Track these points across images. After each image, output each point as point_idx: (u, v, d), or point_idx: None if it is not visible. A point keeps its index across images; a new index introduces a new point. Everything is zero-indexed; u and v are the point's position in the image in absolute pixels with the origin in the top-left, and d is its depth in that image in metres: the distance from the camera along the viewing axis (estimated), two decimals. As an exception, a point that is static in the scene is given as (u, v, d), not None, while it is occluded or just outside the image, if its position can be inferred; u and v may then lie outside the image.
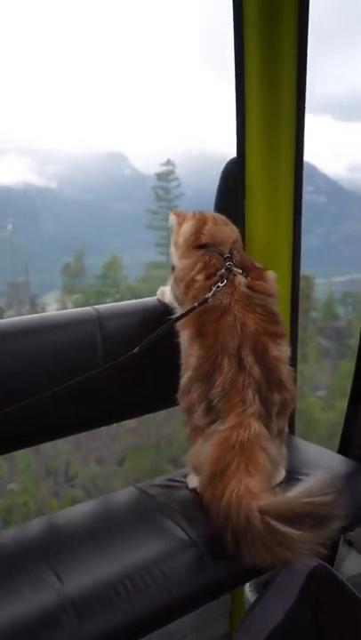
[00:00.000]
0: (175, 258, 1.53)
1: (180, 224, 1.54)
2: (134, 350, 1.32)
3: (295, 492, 1.11)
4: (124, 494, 1.46)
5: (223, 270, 1.36)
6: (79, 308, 1.57)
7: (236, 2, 1.55)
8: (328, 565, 1.24)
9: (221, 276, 1.35)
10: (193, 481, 1.43)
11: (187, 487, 1.44)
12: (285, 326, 1.65)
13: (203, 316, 1.31)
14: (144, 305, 1.62)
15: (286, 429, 1.38)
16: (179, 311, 1.46)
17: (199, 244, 1.46)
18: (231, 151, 1.76)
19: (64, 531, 1.29)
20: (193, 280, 1.40)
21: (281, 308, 1.43)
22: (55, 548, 1.22)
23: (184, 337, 1.38)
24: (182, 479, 1.48)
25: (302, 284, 1.88)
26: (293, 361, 1.70)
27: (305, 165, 1.71)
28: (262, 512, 1.08)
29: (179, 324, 1.39)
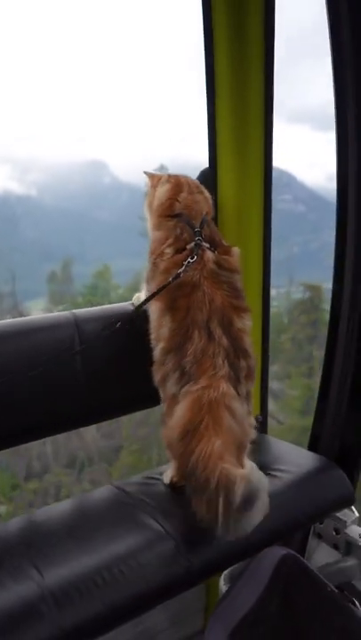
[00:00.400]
0: (149, 224, 1.59)
1: (154, 186, 1.60)
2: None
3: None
4: (101, 492, 1.51)
5: (192, 244, 1.44)
6: (57, 312, 1.62)
7: (205, 17, 1.63)
8: (296, 554, 1.31)
9: (191, 251, 1.43)
10: (168, 476, 1.49)
11: (163, 483, 1.50)
12: (256, 337, 1.75)
13: (174, 290, 1.39)
14: (120, 309, 1.67)
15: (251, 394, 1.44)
16: (147, 285, 1.52)
17: (172, 214, 1.51)
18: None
19: (44, 528, 1.33)
20: (162, 253, 1.48)
21: (253, 322, 1.49)
22: (35, 543, 1.26)
23: (154, 309, 1.45)
24: (158, 476, 1.53)
25: (312, 294, 1.98)
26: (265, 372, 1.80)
27: (283, 175, 1.80)
28: (223, 477, 1.12)
29: (148, 296, 1.48)
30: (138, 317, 1.57)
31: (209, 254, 1.45)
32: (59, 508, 1.44)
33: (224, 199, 1.79)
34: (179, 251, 1.46)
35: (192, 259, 1.41)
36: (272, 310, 1.95)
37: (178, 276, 1.39)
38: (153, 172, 1.65)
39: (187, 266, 1.39)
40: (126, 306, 1.68)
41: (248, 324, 1.42)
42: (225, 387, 1.29)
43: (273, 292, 1.96)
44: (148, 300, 1.46)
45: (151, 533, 1.30)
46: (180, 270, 1.39)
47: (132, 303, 1.67)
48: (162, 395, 1.42)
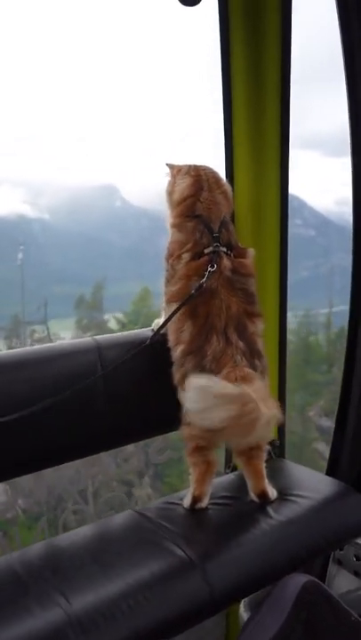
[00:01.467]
0: (168, 220, 1.62)
1: (174, 175, 1.64)
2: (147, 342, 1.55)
3: None
4: (122, 517, 1.52)
5: (211, 250, 1.50)
6: (79, 339, 1.66)
7: (223, 42, 1.70)
8: (319, 581, 1.32)
9: (210, 259, 1.49)
10: (189, 500, 1.51)
11: (183, 507, 1.52)
12: (273, 357, 1.80)
13: (195, 297, 1.46)
14: (142, 335, 1.70)
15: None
16: (167, 288, 1.57)
17: (193, 214, 1.55)
18: None
19: (68, 553, 1.34)
20: (180, 257, 1.53)
21: (268, 342, 1.58)
22: (61, 569, 1.27)
23: (172, 311, 1.50)
24: (178, 501, 1.55)
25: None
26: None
27: (294, 199, 1.84)
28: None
29: (167, 299, 1.55)
30: (158, 342, 1.61)
31: (226, 262, 1.51)
32: (81, 534, 1.45)
33: (241, 227, 1.83)
34: (196, 255, 1.52)
35: (212, 268, 1.48)
36: (310, 339, 1.99)
37: (201, 286, 1.45)
38: (172, 163, 1.69)
39: (208, 277, 1.46)
40: (147, 332, 1.72)
41: (260, 328, 1.51)
42: (247, 370, 1.39)
43: (291, 316, 1.99)
44: (168, 319, 1.50)
45: (174, 560, 1.31)
46: (203, 281, 1.46)
47: (152, 329, 1.71)
48: (182, 394, 1.45)
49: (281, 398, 1.88)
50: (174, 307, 1.50)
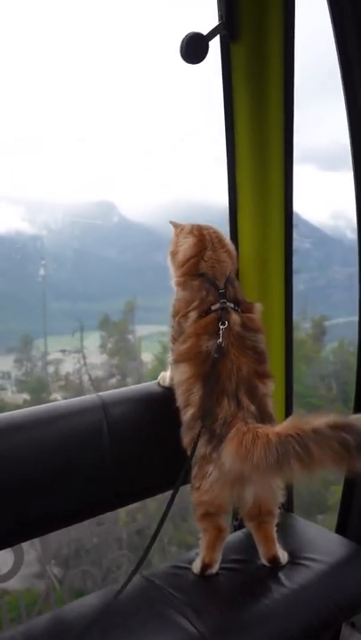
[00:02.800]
0: (173, 279, 1.62)
1: (177, 235, 1.64)
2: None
3: None
4: (130, 584, 1.48)
5: (218, 306, 1.47)
6: (84, 397, 1.63)
7: (224, 59, 1.68)
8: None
9: (218, 316, 1.46)
10: (198, 566, 1.47)
11: (192, 573, 1.48)
12: (280, 371, 1.81)
13: (205, 358, 1.43)
14: (147, 390, 1.68)
15: None
16: (174, 345, 1.54)
17: (197, 273, 1.54)
18: (216, 199, 1.88)
19: (75, 629, 1.30)
20: (186, 316, 1.51)
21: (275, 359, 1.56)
22: None
23: (181, 371, 1.48)
24: (187, 565, 1.51)
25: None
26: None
27: None
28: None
29: (175, 358, 1.51)
30: (166, 400, 1.58)
31: (235, 317, 1.48)
32: (87, 603, 1.41)
33: (244, 246, 1.83)
34: (203, 313, 1.49)
35: (223, 325, 1.45)
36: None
37: (220, 346, 1.42)
38: (175, 221, 1.69)
39: (223, 335, 1.43)
40: (152, 385, 1.69)
41: (271, 388, 1.48)
42: (260, 425, 1.34)
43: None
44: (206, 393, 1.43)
45: (183, 634, 1.28)
46: (221, 341, 1.42)
47: (159, 382, 1.68)
48: (192, 461, 1.42)
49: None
50: (182, 367, 1.48)
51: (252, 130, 1.71)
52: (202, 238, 1.58)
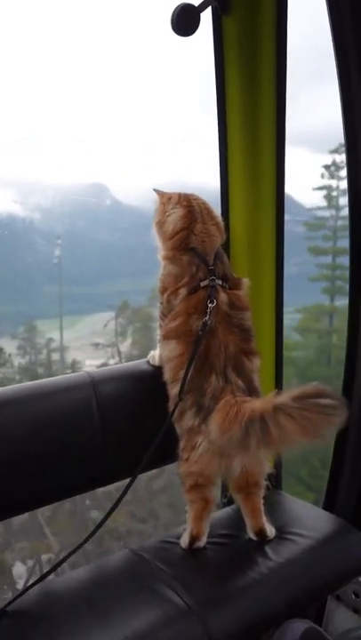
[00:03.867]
0: (161, 252, 1.58)
1: (164, 204, 1.59)
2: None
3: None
4: (118, 558, 1.49)
5: (207, 283, 1.47)
6: (73, 374, 1.63)
7: (215, 32, 1.66)
8: (319, 628, 1.30)
9: (207, 294, 1.46)
10: (186, 540, 1.49)
11: (180, 547, 1.50)
12: (270, 359, 1.83)
13: (193, 335, 1.43)
14: (136, 367, 1.67)
15: None
16: (163, 322, 1.54)
17: (187, 247, 1.52)
18: (209, 181, 1.86)
19: (63, 601, 1.31)
20: (176, 292, 1.50)
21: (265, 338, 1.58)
22: (56, 621, 1.25)
23: (170, 348, 1.48)
24: (175, 540, 1.52)
25: None
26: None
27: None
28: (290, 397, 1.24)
29: (163, 334, 1.51)
30: (154, 376, 1.58)
31: (222, 296, 1.48)
32: (76, 577, 1.43)
33: (236, 225, 1.81)
34: (192, 290, 1.48)
35: (212, 303, 1.44)
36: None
37: (206, 325, 1.42)
38: (160, 190, 1.64)
39: (210, 314, 1.43)
40: (141, 364, 1.69)
41: (256, 365, 1.49)
42: (245, 398, 1.37)
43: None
44: (186, 374, 1.43)
45: (171, 607, 1.29)
46: (207, 319, 1.42)
47: (148, 361, 1.68)
48: (178, 430, 1.46)
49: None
50: (172, 343, 1.48)
51: (244, 104, 1.69)
52: (191, 209, 1.55)
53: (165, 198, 1.60)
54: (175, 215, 1.55)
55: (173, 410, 1.41)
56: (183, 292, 1.49)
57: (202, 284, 1.48)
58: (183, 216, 1.54)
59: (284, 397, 1.24)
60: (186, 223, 1.54)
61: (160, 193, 1.62)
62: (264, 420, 1.23)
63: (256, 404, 1.29)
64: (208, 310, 1.43)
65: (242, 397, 1.36)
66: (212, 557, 1.46)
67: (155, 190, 1.63)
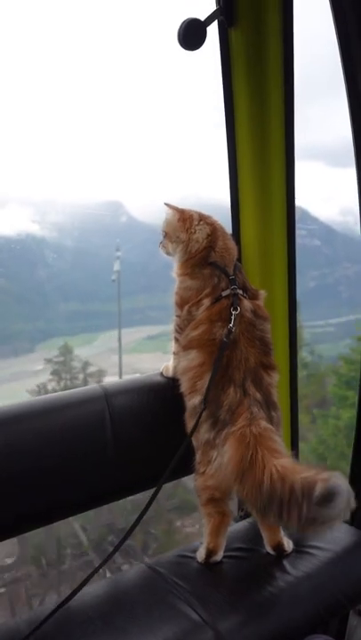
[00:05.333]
0: (179, 269, 1.56)
1: (185, 220, 1.55)
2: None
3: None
4: (133, 573, 1.48)
5: (228, 292, 1.47)
6: (87, 387, 1.63)
7: (223, 56, 1.67)
8: (340, 643, 1.26)
9: (230, 302, 1.46)
10: (202, 554, 1.46)
11: (196, 561, 1.47)
12: (285, 374, 1.82)
13: (212, 347, 1.42)
14: (149, 380, 1.67)
15: None
16: (181, 334, 1.53)
17: (208, 262, 1.52)
18: (223, 197, 1.85)
19: (79, 618, 1.30)
20: (199, 303, 1.50)
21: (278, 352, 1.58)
22: (72, 635, 1.23)
23: (190, 358, 1.47)
24: (191, 554, 1.50)
25: None
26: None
27: (297, 210, 1.80)
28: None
29: (186, 343, 1.50)
30: (168, 388, 1.57)
31: (246, 303, 1.49)
32: (92, 592, 1.41)
33: (247, 239, 1.81)
34: (216, 301, 1.48)
35: (235, 310, 1.45)
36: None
37: (230, 332, 1.42)
38: (174, 205, 1.60)
39: (235, 320, 1.43)
40: (154, 376, 1.68)
41: (275, 380, 1.48)
42: (264, 423, 1.36)
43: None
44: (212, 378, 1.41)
45: (188, 623, 1.26)
46: (232, 326, 1.43)
47: (161, 373, 1.67)
48: (194, 443, 1.44)
49: (294, 440, 1.84)
50: (192, 353, 1.47)
51: (253, 117, 1.70)
52: (215, 228, 1.56)
53: (186, 215, 1.57)
54: (202, 233, 1.55)
55: (198, 419, 1.39)
56: (207, 302, 1.49)
57: (223, 293, 1.48)
58: (209, 234, 1.55)
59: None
60: (210, 241, 1.54)
61: (179, 210, 1.59)
62: (287, 502, 1.19)
63: (274, 464, 1.25)
64: (233, 317, 1.44)
65: (258, 424, 1.34)
66: (229, 572, 1.43)
67: (167, 205, 1.61)
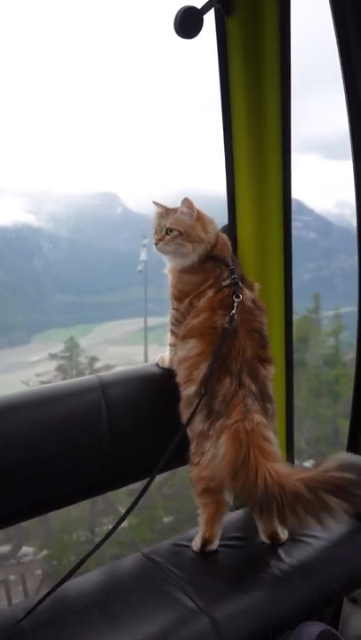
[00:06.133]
0: (182, 266, 1.55)
1: (198, 219, 1.52)
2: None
3: (325, 468, 1.28)
4: (130, 561, 1.49)
5: (229, 281, 1.48)
6: (83, 377, 1.63)
7: (220, 44, 1.66)
8: (334, 630, 1.28)
9: (233, 292, 1.46)
10: (198, 543, 1.47)
11: (192, 550, 1.48)
12: (280, 356, 1.82)
13: (217, 336, 1.43)
14: (145, 370, 1.67)
15: None
16: (178, 326, 1.55)
17: (210, 256, 1.53)
18: (220, 189, 1.85)
19: (74, 605, 1.31)
20: (201, 294, 1.51)
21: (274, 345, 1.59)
22: (67, 624, 1.24)
23: (188, 347, 1.48)
24: (187, 543, 1.51)
25: None
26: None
27: (294, 202, 1.80)
28: (308, 487, 1.25)
29: (185, 333, 1.50)
30: (164, 378, 1.58)
31: (247, 292, 1.50)
32: (89, 580, 1.42)
33: (243, 231, 1.81)
34: (218, 289, 1.50)
35: (238, 298, 1.46)
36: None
37: (232, 318, 1.43)
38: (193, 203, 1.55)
39: (237, 307, 1.44)
40: (150, 366, 1.68)
41: (271, 372, 1.49)
42: (258, 417, 1.37)
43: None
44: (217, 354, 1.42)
45: (183, 610, 1.27)
46: (234, 312, 1.44)
47: (157, 363, 1.67)
48: (189, 434, 1.45)
49: (289, 430, 1.85)
50: (190, 342, 1.48)
51: (249, 107, 1.69)
52: (216, 226, 1.59)
53: (201, 215, 1.54)
54: (213, 233, 1.55)
55: (197, 405, 1.40)
56: (210, 292, 1.50)
57: (224, 283, 1.50)
58: (218, 232, 1.58)
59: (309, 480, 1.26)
60: (215, 238, 1.56)
61: (195, 209, 1.53)
62: (282, 505, 1.25)
63: (274, 472, 1.29)
64: (235, 304, 1.45)
65: (251, 418, 1.36)
66: (225, 560, 1.44)
67: (186, 203, 1.52)
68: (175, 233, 1.51)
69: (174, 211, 1.54)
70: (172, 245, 1.51)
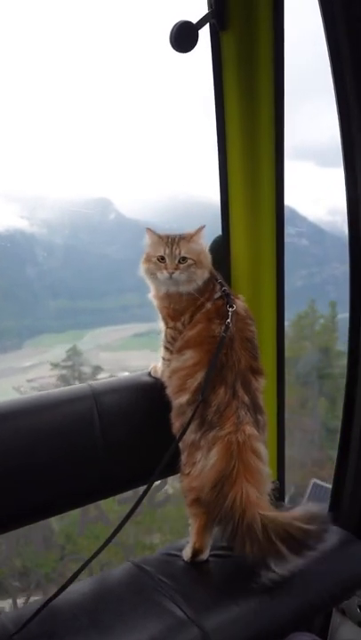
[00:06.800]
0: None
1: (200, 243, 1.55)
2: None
3: (292, 513, 1.33)
4: (120, 571, 1.49)
5: (220, 294, 1.52)
6: (75, 385, 1.63)
7: (214, 49, 1.69)
8: (322, 641, 1.28)
9: (224, 301, 1.51)
10: (188, 553, 1.48)
11: (182, 560, 1.49)
12: (271, 366, 1.84)
13: (211, 345, 1.44)
14: (137, 379, 1.68)
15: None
16: (170, 345, 1.56)
17: None
18: (212, 196, 1.88)
19: (64, 615, 1.30)
20: (201, 307, 1.52)
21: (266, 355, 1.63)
22: (57, 632, 1.24)
23: (183, 358, 1.49)
24: (177, 552, 1.52)
25: None
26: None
27: (287, 209, 1.82)
28: (263, 524, 1.27)
29: (182, 344, 1.51)
30: (156, 388, 1.58)
31: (239, 302, 1.53)
32: (79, 590, 1.41)
33: (236, 238, 1.83)
34: (212, 302, 1.52)
35: (231, 307, 1.48)
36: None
37: (228, 327, 1.45)
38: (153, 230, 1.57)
39: (232, 316, 1.47)
40: (142, 375, 1.69)
41: (262, 384, 1.51)
42: (250, 429, 1.39)
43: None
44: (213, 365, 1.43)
45: (173, 620, 1.28)
46: (228, 321, 1.45)
47: (149, 373, 1.68)
48: (180, 445, 1.45)
49: (280, 441, 1.86)
50: (187, 353, 1.49)
51: (243, 118, 1.71)
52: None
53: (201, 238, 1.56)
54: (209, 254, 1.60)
55: (195, 412, 1.40)
56: (208, 305, 1.52)
57: (215, 295, 1.53)
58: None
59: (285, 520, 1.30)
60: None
61: (200, 234, 1.56)
62: (235, 531, 1.29)
63: (245, 495, 1.31)
64: (230, 313, 1.47)
65: (243, 430, 1.38)
66: (215, 570, 1.45)
67: (199, 233, 1.54)
68: (190, 262, 1.50)
69: (186, 239, 1.52)
70: (187, 274, 1.49)
